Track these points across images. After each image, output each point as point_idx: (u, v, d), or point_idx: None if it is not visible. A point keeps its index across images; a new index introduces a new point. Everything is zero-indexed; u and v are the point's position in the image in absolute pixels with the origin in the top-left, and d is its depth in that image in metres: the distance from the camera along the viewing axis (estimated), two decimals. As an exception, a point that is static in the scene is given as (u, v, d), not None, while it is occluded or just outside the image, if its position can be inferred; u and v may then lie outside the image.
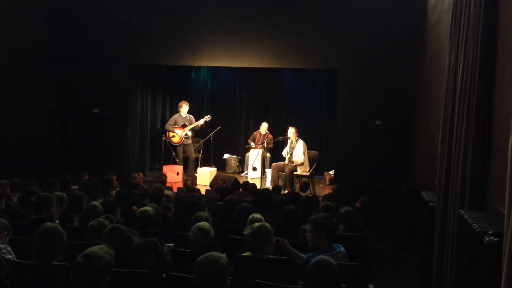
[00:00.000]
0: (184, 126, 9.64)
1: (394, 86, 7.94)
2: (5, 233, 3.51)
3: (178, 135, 9.62)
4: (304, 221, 4.16)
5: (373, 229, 5.85)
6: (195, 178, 8.43)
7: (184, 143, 9.69)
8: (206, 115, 9.92)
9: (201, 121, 9.77)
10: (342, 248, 3.53)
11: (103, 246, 2.68)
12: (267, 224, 3.51)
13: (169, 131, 9.66)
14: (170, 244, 3.89)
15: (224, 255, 2.54)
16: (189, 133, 9.70)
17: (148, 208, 4.44)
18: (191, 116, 9.85)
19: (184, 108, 9.72)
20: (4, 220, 3.58)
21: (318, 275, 2.40)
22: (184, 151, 9.80)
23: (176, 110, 10.04)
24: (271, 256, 3.47)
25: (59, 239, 3.13)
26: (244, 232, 3.53)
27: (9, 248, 3.41)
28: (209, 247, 3.33)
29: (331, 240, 3.51)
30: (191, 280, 2.50)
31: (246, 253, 3.49)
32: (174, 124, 9.65)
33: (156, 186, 6.13)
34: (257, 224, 3.55)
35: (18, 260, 3.23)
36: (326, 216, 3.69)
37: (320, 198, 6.82)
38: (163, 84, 10.81)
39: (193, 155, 9.84)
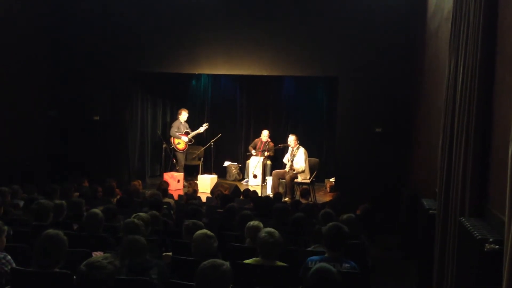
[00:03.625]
0: (187, 133, 9.70)
1: (394, 94, 7.97)
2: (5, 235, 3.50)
3: (184, 141, 9.66)
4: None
5: (374, 236, 5.85)
6: (196, 185, 8.42)
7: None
8: (205, 123, 9.98)
9: (202, 129, 9.82)
10: (352, 264, 3.44)
11: (108, 255, 2.66)
12: (277, 233, 3.46)
13: (175, 137, 9.68)
14: (168, 253, 3.88)
15: (227, 262, 2.50)
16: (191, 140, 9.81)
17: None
18: (186, 123, 9.92)
19: (184, 115, 9.77)
20: (1, 221, 3.56)
21: (317, 282, 2.40)
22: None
23: (176, 117, 10.07)
24: (278, 263, 3.44)
25: (60, 246, 3.12)
26: (262, 235, 3.45)
27: (8, 257, 3.37)
28: (211, 254, 3.32)
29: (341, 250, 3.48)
30: (192, 288, 2.49)
31: (250, 260, 3.48)
32: (178, 131, 9.71)
33: (155, 193, 6.12)
34: (271, 229, 3.51)
35: (19, 268, 3.21)
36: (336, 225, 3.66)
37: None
38: (164, 91, 10.84)
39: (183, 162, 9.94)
